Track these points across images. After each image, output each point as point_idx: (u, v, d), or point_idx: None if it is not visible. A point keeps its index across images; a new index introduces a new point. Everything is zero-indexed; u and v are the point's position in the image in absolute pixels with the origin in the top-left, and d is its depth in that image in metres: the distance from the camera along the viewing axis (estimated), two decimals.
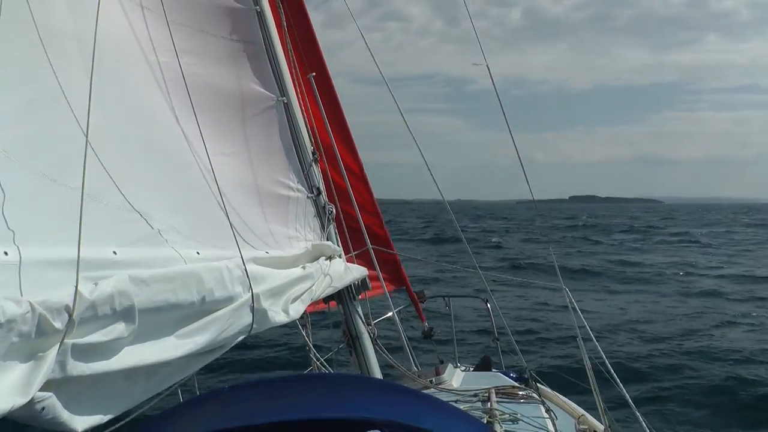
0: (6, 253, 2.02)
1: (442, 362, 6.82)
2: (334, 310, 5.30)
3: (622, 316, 18.20)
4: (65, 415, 2.02)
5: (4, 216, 2.14)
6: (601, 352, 5.42)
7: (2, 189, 2.20)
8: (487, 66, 6.20)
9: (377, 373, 5.13)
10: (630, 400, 5.03)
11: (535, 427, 4.48)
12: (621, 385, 5.09)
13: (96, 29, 2.79)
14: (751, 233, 61.80)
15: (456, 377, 6.27)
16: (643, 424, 4.82)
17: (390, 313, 6.60)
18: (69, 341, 1.98)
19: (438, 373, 6.09)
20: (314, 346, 5.34)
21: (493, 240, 51.78)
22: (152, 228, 2.96)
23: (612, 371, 5.22)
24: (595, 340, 5.49)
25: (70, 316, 1.98)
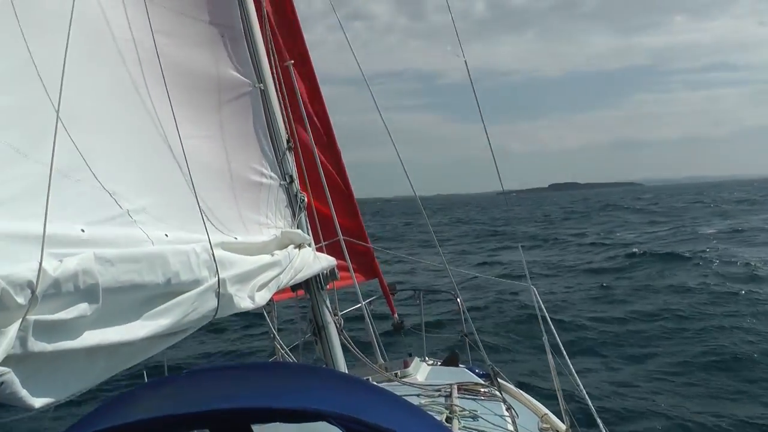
0: None
1: (410, 355, 6.86)
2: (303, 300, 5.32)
3: None
4: (23, 392, 2.00)
5: None
6: (565, 354, 5.47)
7: None
8: (465, 60, 6.21)
9: (342, 364, 5.15)
10: (589, 401, 5.09)
11: (494, 424, 4.52)
12: (581, 384, 5.16)
13: (73, 5, 2.77)
14: None
15: (422, 371, 6.30)
16: (600, 425, 4.89)
17: (359, 305, 6.62)
18: (31, 317, 1.97)
19: (406, 366, 6.13)
20: (280, 333, 5.35)
21: None
22: (122, 208, 2.95)
23: (574, 372, 5.28)
24: (558, 340, 5.54)
25: (33, 292, 1.97)
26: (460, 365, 7.14)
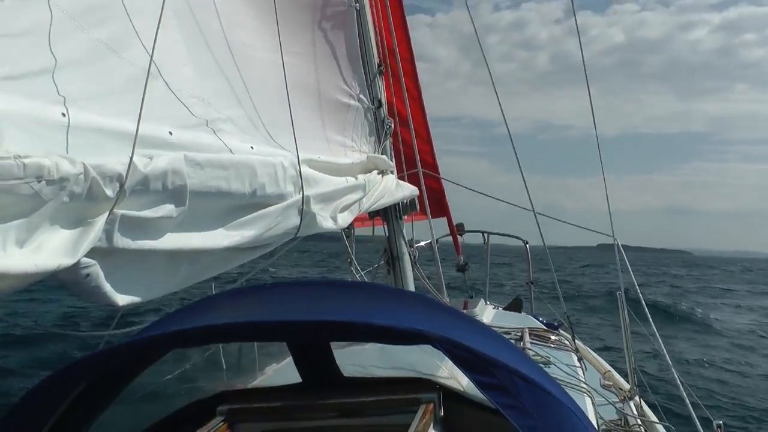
0: (63, 114, 1.96)
1: (471, 297, 6.75)
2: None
3: None
4: (107, 287, 1.97)
5: (68, 78, 2.08)
6: (646, 310, 5.22)
7: (64, 52, 2.12)
8: (502, 111, 5.96)
9: None
10: (672, 366, 4.80)
11: (566, 373, 4.39)
12: (664, 349, 4.89)
13: None
14: None
15: (486, 313, 6.19)
16: (681, 389, 4.58)
17: (429, 241, 6.51)
18: (118, 211, 1.92)
19: (466, 307, 6.02)
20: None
21: None
22: (212, 115, 2.89)
23: (656, 333, 5.01)
24: (640, 294, 5.30)
25: (122, 185, 1.92)
26: (522, 312, 7.02)
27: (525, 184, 5.93)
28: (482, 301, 6.44)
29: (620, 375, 5.30)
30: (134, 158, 1.98)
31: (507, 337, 5.09)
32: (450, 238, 7.82)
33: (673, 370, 4.64)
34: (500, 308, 7.09)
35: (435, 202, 7.24)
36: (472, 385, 2.90)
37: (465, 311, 5.90)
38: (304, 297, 2.37)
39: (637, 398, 4.63)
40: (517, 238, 8.74)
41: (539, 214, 5.84)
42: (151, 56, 2.31)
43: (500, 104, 5.96)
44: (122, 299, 2.06)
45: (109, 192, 1.87)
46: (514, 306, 7.43)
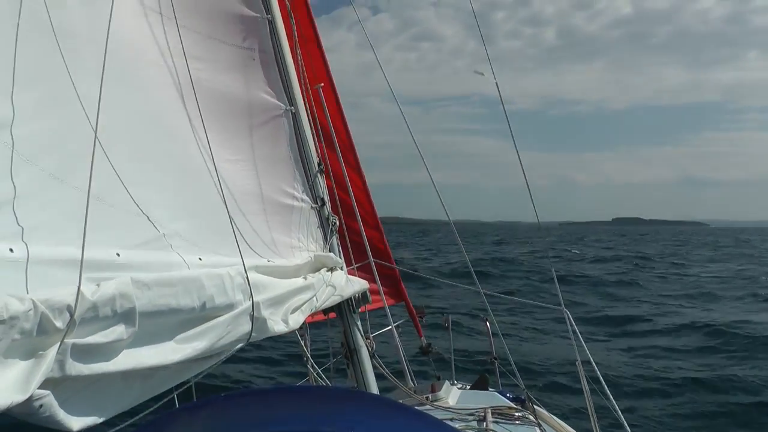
0: (11, 250, 2.02)
1: (438, 379, 6.78)
2: (334, 322, 5.29)
3: None
4: (61, 414, 2.01)
5: (14, 212, 2.15)
6: (599, 375, 5.33)
7: (13, 185, 2.20)
8: (495, 79, 6.12)
9: (374, 387, 5.10)
10: (627, 427, 4.92)
11: None
12: (619, 411, 5.00)
13: (108, 31, 2.80)
14: None
15: (452, 395, 6.22)
16: None
17: (389, 327, 6.56)
18: (69, 341, 1.97)
19: (434, 390, 6.05)
20: (312, 355, 5.31)
21: None
22: (157, 232, 2.97)
23: (610, 396, 5.12)
24: (593, 363, 5.41)
25: (72, 315, 1.97)
26: (489, 389, 7.05)
27: (521, 163, 5.91)
28: (447, 383, 6.47)
29: None
30: (81, 287, 2.04)
31: (470, 417, 5.12)
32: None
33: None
34: (467, 387, 7.12)
35: (391, 287, 7.33)
36: None
37: (431, 394, 5.94)
38: (249, 409, 2.41)
39: None
40: (477, 315, 8.81)
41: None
42: (90, 179, 2.37)
43: (496, 81, 5.93)
44: (77, 424, 2.10)
45: (59, 324, 1.93)
46: (480, 383, 7.45)
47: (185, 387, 2.92)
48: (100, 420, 2.27)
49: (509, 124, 6.12)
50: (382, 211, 7.71)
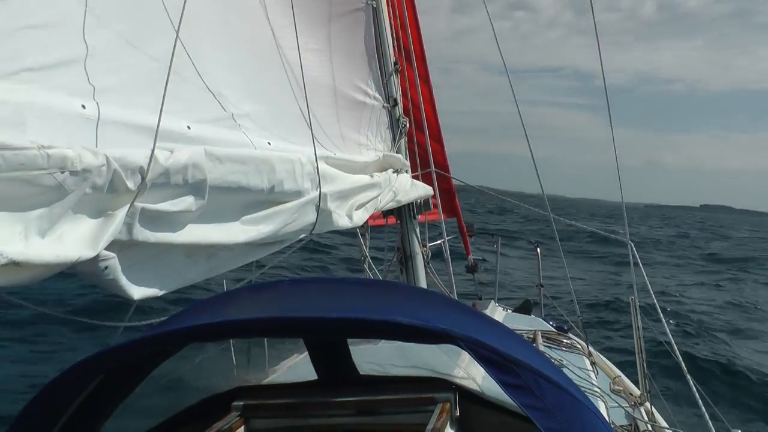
0: (84, 107, 1.95)
1: (480, 299, 6.72)
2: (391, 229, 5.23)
3: None
4: (124, 280, 1.97)
5: (85, 71, 2.07)
6: (662, 318, 5.10)
7: (86, 44, 2.11)
8: (600, 56, 5.73)
9: None
10: (687, 373, 4.66)
11: (579, 377, 4.34)
12: (679, 354, 4.77)
13: None
14: None
15: (496, 316, 6.15)
16: (697, 398, 4.44)
17: (439, 242, 6.49)
18: (139, 204, 1.92)
19: (474, 308, 5.98)
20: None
21: None
22: (226, 111, 2.89)
23: (672, 341, 4.88)
24: (655, 300, 5.20)
25: (143, 178, 1.91)
26: (531, 315, 6.98)
27: (615, 149, 5.67)
28: (492, 303, 6.41)
29: (631, 381, 5.23)
30: (155, 151, 1.97)
31: None
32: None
33: (687, 376, 4.56)
34: (510, 310, 7.05)
35: (446, 202, 7.23)
36: (488, 385, 2.89)
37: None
38: (322, 294, 2.35)
39: (647, 404, 4.57)
40: (527, 240, 8.68)
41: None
42: (173, 50, 2.30)
43: (600, 55, 5.65)
44: (138, 292, 2.06)
45: (130, 184, 1.87)
46: (524, 308, 7.39)
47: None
48: (161, 293, 2.24)
49: (608, 103, 5.78)
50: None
